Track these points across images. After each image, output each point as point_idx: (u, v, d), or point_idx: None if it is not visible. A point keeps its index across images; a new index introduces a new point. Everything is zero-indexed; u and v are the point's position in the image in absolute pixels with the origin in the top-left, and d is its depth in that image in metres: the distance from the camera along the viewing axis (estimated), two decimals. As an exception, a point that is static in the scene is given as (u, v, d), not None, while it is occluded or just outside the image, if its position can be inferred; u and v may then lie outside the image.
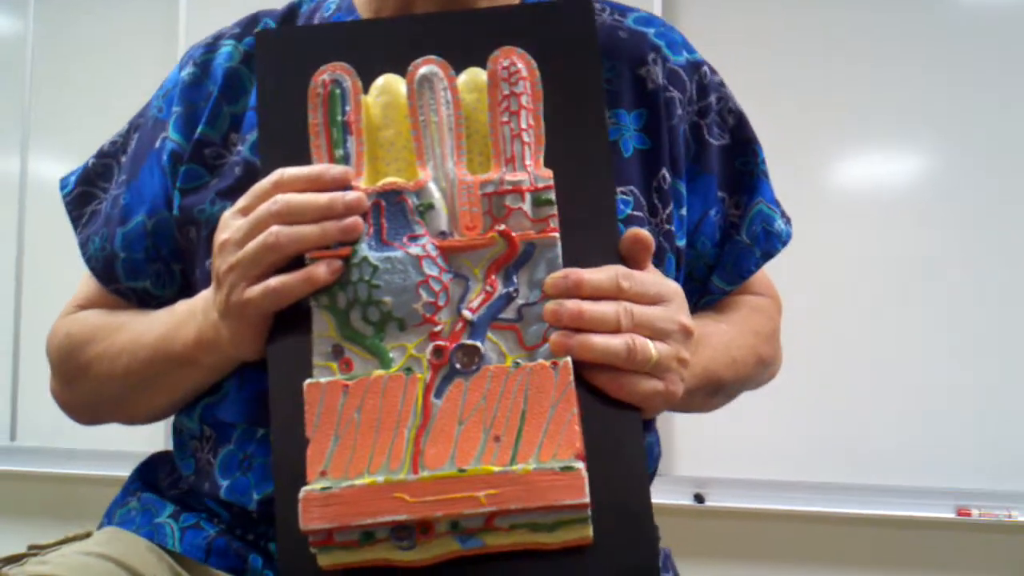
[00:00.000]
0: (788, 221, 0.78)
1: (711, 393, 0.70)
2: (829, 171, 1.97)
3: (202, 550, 0.66)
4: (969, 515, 1.84)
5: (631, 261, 0.56)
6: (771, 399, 1.79)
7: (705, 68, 0.74)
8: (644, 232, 0.56)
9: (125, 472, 0.77)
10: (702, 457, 1.91)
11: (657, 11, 1.89)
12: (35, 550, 0.67)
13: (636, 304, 0.54)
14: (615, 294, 0.54)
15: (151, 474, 0.74)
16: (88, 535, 0.70)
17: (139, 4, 2.19)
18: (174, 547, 0.66)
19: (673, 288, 0.57)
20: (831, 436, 1.90)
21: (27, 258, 2.22)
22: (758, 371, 0.76)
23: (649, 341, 0.54)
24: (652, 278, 0.56)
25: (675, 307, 0.56)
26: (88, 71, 2.20)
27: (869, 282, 1.91)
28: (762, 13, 1.97)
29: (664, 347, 0.55)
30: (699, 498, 1.92)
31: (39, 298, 2.18)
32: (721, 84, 0.76)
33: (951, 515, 1.85)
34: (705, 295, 0.76)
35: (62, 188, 0.79)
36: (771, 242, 0.76)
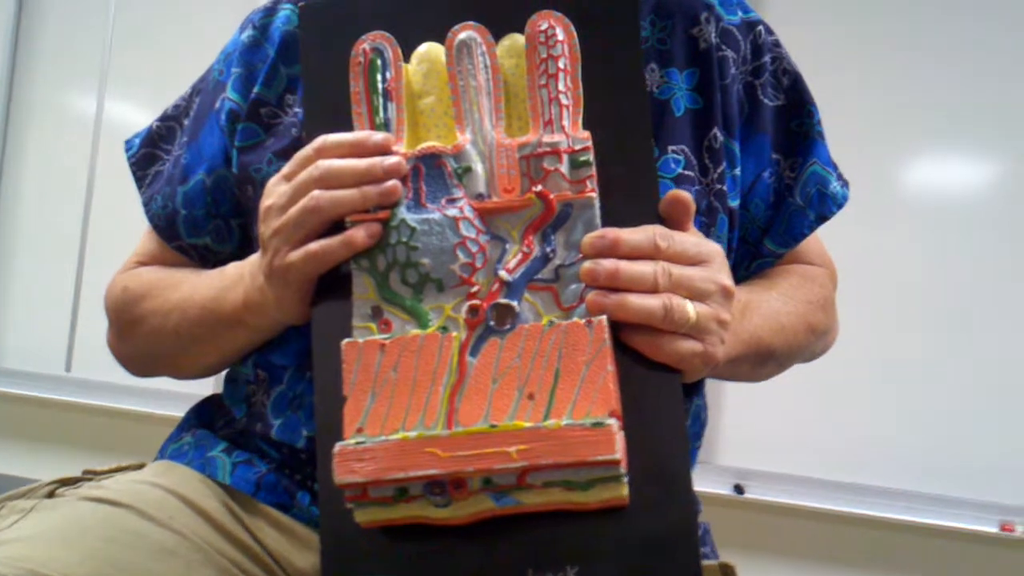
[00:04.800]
0: (845, 184, 0.75)
1: (760, 362, 0.69)
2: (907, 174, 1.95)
3: (252, 484, 0.67)
4: (1012, 531, 1.81)
5: (671, 222, 0.56)
6: (820, 396, 1.77)
7: (760, 27, 0.73)
8: (684, 193, 0.56)
9: (175, 412, 0.78)
10: (745, 448, 1.89)
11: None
12: (90, 475, 0.69)
13: (675, 264, 0.54)
14: (653, 254, 0.53)
15: (206, 414, 0.76)
16: (142, 466, 0.72)
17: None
18: (224, 479, 0.67)
19: (714, 249, 0.57)
20: (877, 439, 1.87)
21: (96, 194, 2.27)
22: (810, 340, 0.74)
23: (688, 301, 0.53)
24: (692, 239, 0.56)
25: (715, 268, 0.56)
26: (167, 20, 2.27)
27: (931, 288, 1.89)
28: (844, 14, 1.95)
29: (703, 308, 0.54)
30: (739, 489, 1.90)
31: (104, 232, 2.24)
32: (776, 44, 0.74)
33: (994, 530, 1.82)
34: (757, 258, 0.75)
35: (127, 150, 0.81)
36: (826, 204, 0.74)
